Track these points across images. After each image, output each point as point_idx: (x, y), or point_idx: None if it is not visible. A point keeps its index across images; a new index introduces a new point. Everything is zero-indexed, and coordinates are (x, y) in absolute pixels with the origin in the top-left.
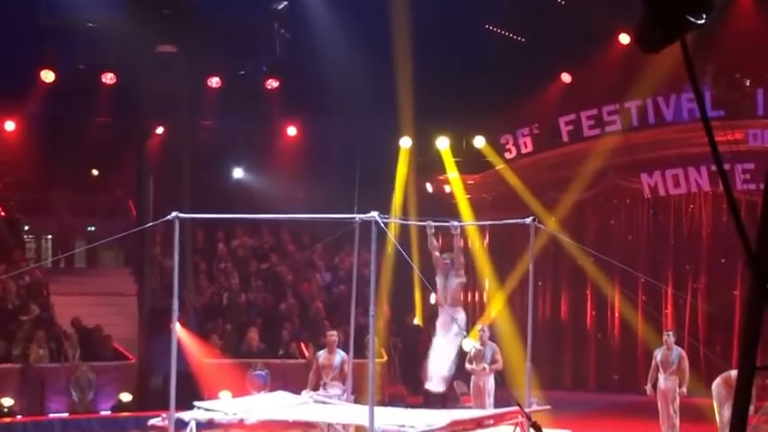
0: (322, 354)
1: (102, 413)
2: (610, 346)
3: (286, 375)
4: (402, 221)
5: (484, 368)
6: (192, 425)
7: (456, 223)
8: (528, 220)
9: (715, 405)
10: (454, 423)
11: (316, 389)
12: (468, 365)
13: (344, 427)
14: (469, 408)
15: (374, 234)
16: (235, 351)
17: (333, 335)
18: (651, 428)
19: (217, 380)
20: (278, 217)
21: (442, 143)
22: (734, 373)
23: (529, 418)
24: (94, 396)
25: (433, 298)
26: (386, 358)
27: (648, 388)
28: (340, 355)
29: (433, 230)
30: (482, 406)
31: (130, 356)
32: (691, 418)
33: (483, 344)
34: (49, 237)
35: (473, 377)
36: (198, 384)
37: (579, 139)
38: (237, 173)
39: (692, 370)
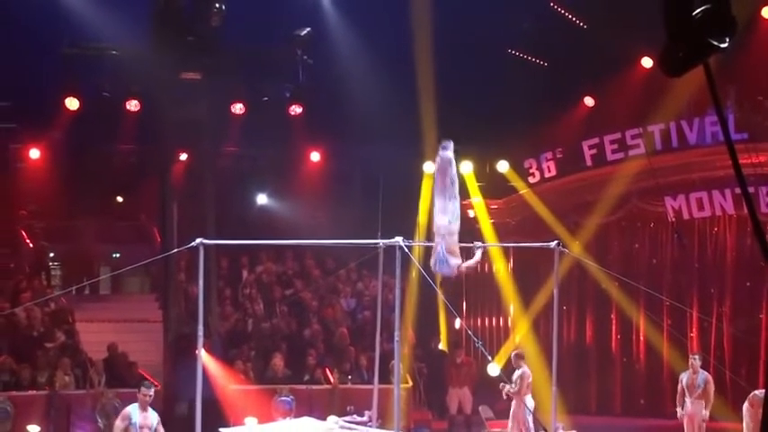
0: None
1: None
2: (635, 371)
3: (311, 401)
4: (426, 245)
5: (507, 391)
6: None
7: (479, 243)
8: (552, 244)
9: (743, 428)
10: None
11: None
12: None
13: None
14: None
15: (398, 259)
16: (260, 377)
17: (147, 393)
18: None
19: (242, 406)
20: (302, 243)
21: (466, 168)
22: (758, 392)
23: None
24: None
25: (458, 323)
26: (411, 384)
27: (679, 411)
28: (154, 414)
29: None
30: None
31: (156, 383)
32: None
33: (517, 367)
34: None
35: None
36: (223, 411)
37: (603, 163)
38: (261, 199)
39: (717, 394)
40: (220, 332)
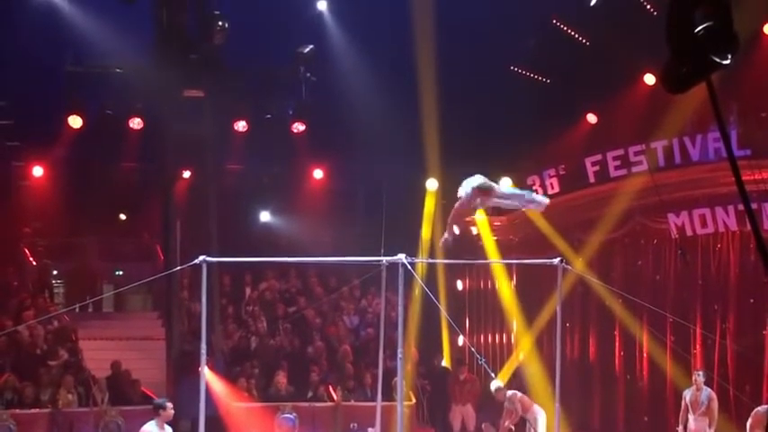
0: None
1: None
2: (638, 388)
3: (314, 418)
4: (429, 261)
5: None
6: None
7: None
8: (555, 261)
9: None
10: None
11: None
12: None
13: None
14: None
15: (401, 277)
16: (263, 394)
17: (171, 409)
18: None
19: (245, 423)
20: (305, 260)
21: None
22: (761, 408)
23: None
24: None
25: (461, 340)
26: (414, 401)
27: (680, 430)
28: (170, 430)
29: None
30: None
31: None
32: None
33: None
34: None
35: None
36: (226, 428)
37: (606, 179)
38: (264, 216)
39: (721, 411)
40: (223, 350)
